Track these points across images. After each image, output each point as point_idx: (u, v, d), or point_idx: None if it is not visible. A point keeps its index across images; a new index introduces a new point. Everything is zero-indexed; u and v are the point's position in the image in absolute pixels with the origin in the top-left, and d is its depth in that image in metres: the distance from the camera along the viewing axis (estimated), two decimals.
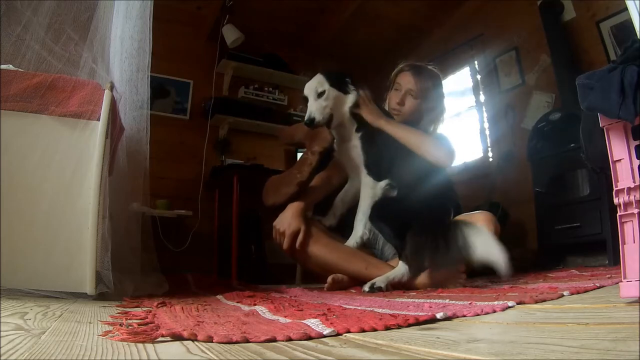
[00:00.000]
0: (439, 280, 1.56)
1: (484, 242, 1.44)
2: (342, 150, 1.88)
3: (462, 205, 1.90)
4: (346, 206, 1.91)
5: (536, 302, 0.93)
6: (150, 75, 1.93)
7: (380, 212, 1.73)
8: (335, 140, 1.85)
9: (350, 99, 1.80)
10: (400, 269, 1.63)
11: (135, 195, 2.09)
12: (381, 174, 1.77)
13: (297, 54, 4.03)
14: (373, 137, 1.81)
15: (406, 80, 1.95)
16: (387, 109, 2.00)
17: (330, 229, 1.89)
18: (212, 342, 0.61)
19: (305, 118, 1.77)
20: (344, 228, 1.87)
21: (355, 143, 1.83)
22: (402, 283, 1.61)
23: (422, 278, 1.61)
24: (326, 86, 1.78)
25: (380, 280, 1.57)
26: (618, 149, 0.81)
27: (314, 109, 1.76)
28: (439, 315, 0.77)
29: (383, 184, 1.76)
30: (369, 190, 1.77)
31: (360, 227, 1.78)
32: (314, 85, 1.79)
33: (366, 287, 1.55)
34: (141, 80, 1.88)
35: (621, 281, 0.78)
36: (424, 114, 1.96)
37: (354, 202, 1.84)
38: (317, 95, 1.78)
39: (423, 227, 1.62)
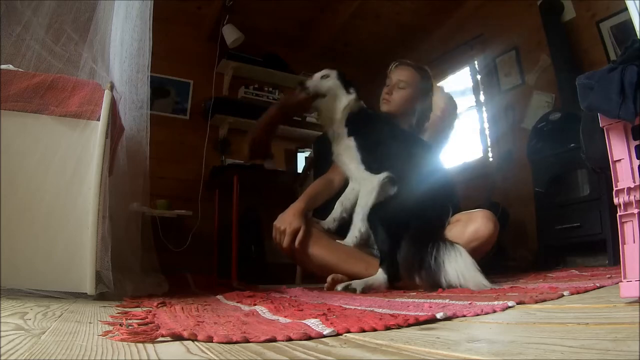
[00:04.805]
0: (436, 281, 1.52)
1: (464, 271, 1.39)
2: (339, 152, 1.90)
3: (462, 205, 1.90)
4: (347, 210, 1.88)
5: (536, 302, 0.93)
6: (150, 75, 1.93)
7: (378, 214, 1.70)
8: (332, 143, 1.93)
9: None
10: (378, 277, 1.60)
11: (135, 195, 2.09)
12: (379, 167, 1.76)
13: (297, 54, 4.02)
14: (368, 135, 1.83)
15: (396, 74, 2.08)
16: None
17: (329, 231, 1.88)
18: (212, 342, 0.61)
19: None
20: (343, 231, 1.85)
21: (350, 143, 1.85)
22: (379, 291, 1.56)
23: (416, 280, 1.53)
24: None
25: (357, 284, 1.55)
26: (618, 149, 0.81)
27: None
28: (439, 315, 0.77)
29: (382, 176, 1.74)
30: (367, 184, 1.77)
31: (358, 220, 1.77)
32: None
33: (339, 287, 1.55)
34: (141, 80, 1.88)
35: (621, 281, 0.78)
36: (415, 109, 1.99)
37: (355, 206, 1.82)
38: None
39: (419, 232, 1.57)
